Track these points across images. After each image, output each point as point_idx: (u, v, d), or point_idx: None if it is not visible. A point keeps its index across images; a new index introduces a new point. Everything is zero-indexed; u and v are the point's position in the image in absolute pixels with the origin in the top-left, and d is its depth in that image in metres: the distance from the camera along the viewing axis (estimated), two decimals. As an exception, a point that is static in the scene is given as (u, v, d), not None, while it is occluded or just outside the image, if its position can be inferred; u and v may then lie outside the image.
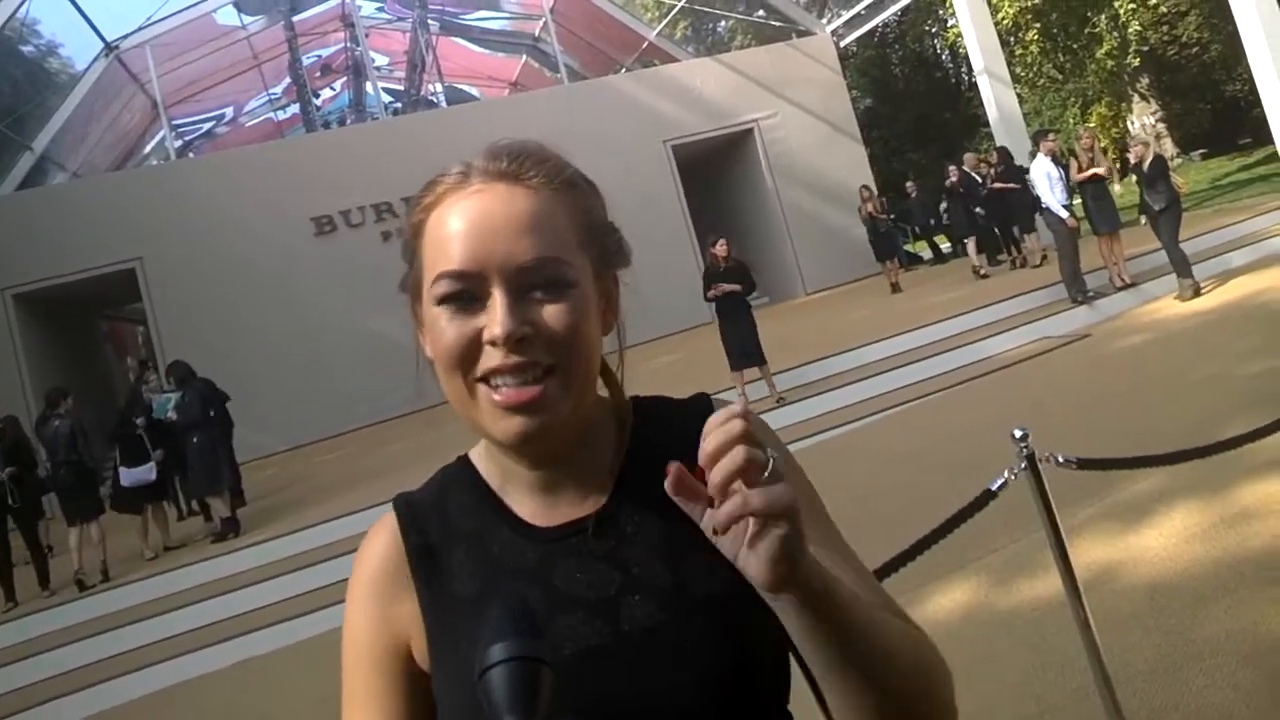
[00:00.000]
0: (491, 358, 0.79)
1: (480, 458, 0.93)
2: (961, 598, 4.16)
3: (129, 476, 8.46)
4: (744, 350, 8.85)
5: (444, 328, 0.80)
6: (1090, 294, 10.08)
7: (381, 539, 0.92)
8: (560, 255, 0.81)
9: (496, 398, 0.79)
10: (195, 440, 8.56)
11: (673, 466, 0.70)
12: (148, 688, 6.44)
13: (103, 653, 6.86)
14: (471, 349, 0.79)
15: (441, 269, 0.80)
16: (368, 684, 0.88)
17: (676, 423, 0.91)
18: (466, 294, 0.80)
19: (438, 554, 0.88)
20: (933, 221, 18.61)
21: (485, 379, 0.80)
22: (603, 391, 0.93)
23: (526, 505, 0.88)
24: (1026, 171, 11.82)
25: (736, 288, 8.90)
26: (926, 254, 19.89)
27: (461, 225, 0.80)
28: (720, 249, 9.12)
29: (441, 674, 0.85)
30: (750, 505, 0.65)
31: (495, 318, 0.78)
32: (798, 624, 0.71)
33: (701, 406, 0.94)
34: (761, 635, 0.83)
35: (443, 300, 0.81)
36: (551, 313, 0.79)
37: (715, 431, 0.68)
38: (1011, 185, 13.06)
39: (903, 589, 3.56)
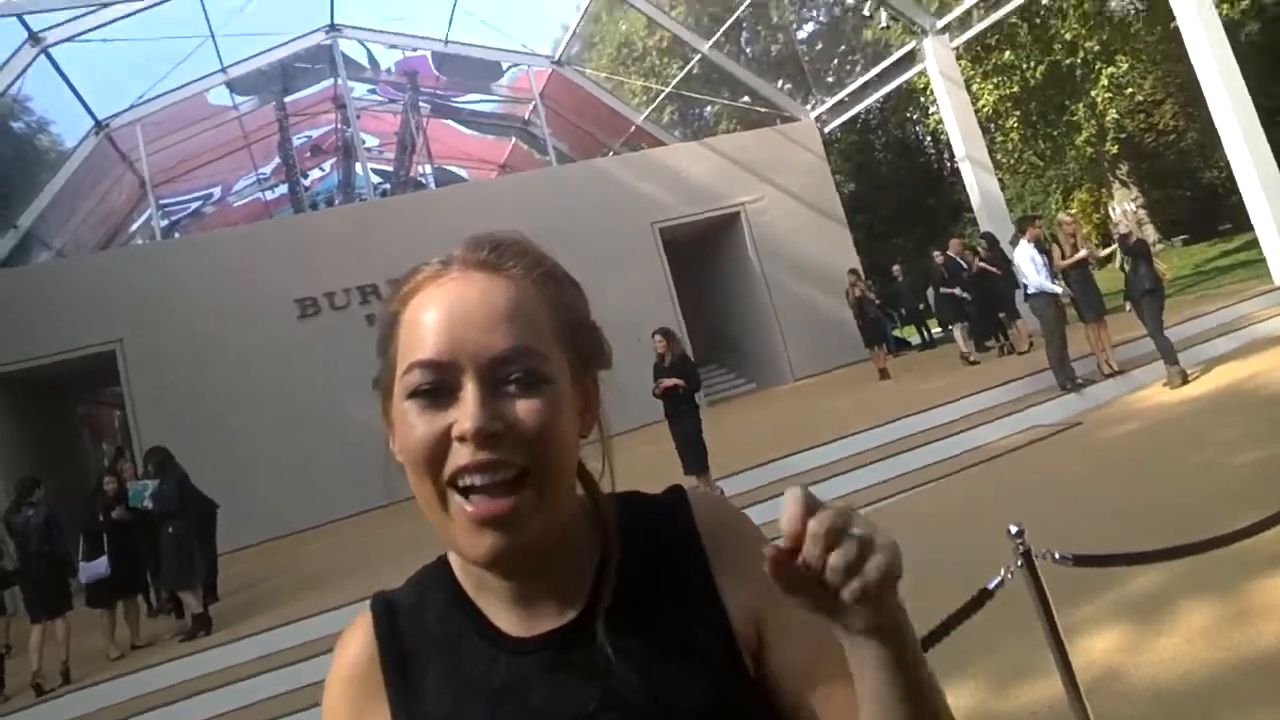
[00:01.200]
0: (460, 455, 0.74)
1: (456, 561, 0.89)
2: (960, 703, 3.99)
3: (85, 572, 8.17)
4: (688, 452, 8.29)
5: (413, 423, 0.76)
6: (1079, 381, 10.05)
7: (357, 639, 0.89)
8: (537, 347, 0.78)
9: (469, 509, 0.75)
10: (171, 530, 8.29)
11: (769, 550, 0.67)
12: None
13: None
14: (440, 446, 0.75)
15: (414, 358, 0.77)
16: None
17: (654, 520, 0.89)
18: (438, 386, 0.76)
19: (410, 662, 0.85)
20: (920, 306, 18.74)
21: (455, 483, 0.75)
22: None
23: (502, 615, 0.85)
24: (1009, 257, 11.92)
25: (679, 383, 8.40)
26: (915, 339, 19.99)
27: (437, 314, 0.78)
28: (659, 344, 8.64)
29: None
30: (870, 582, 0.65)
31: (466, 410, 0.74)
32: (877, 662, 0.69)
33: (675, 500, 0.91)
34: None
35: (413, 393, 0.77)
36: (525, 408, 0.75)
37: (812, 526, 0.66)
38: (995, 270, 13.16)
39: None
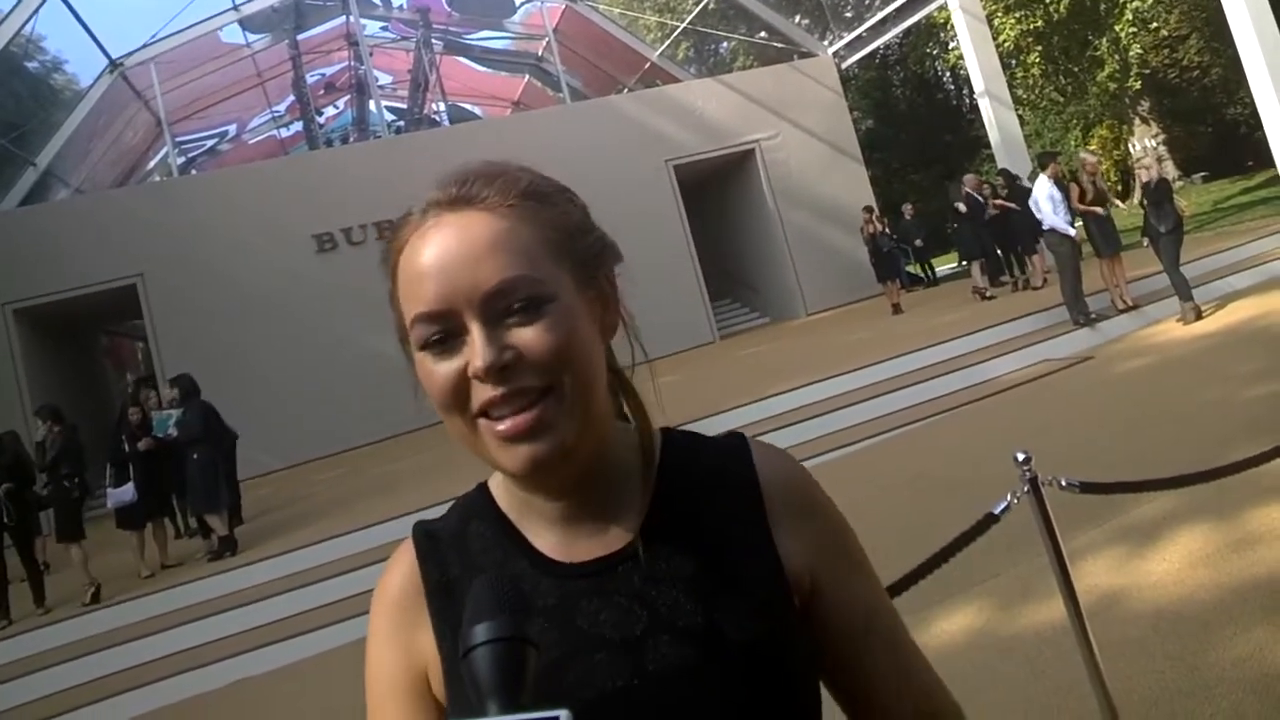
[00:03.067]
0: (482, 392, 0.75)
1: (498, 487, 0.90)
2: (965, 622, 4.12)
3: (112, 498, 8.41)
4: None
5: (430, 371, 0.78)
6: (1092, 316, 10.07)
7: (400, 569, 0.89)
8: (528, 272, 0.77)
9: (498, 428, 0.76)
10: (196, 457, 8.52)
11: None
12: (143, 706, 6.37)
13: (97, 672, 6.80)
14: (461, 388, 0.76)
15: (414, 312, 0.78)
16: (391, 713, 0.86)
17: (709, 460, 0.89)
18: (444, 334, 0.77)
19: (455, 589, 0.85)
20: (918, 243, 18.68)
21: (484, 413, 0.76)
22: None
23: (546, 538, 0.85)
24: (1029, 193, 11.84)
25: None
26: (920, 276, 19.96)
27: (423, 265, 0.77)
28: None
29: (454, 710, 0.82)
30: None
31: (475, 351, 0.75)
32: None
33: (736, 446, 0.91)
34: (795, 679, 0.82)
35: (424, 345, 0.78)
36: (531, 334, 0.75)
37: None
38: (1012, 206, 13.09)
39: (906, 613, 3.51)
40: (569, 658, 0.79)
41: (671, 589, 0.81)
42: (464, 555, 0.87)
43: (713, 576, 0.81)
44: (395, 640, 0.87)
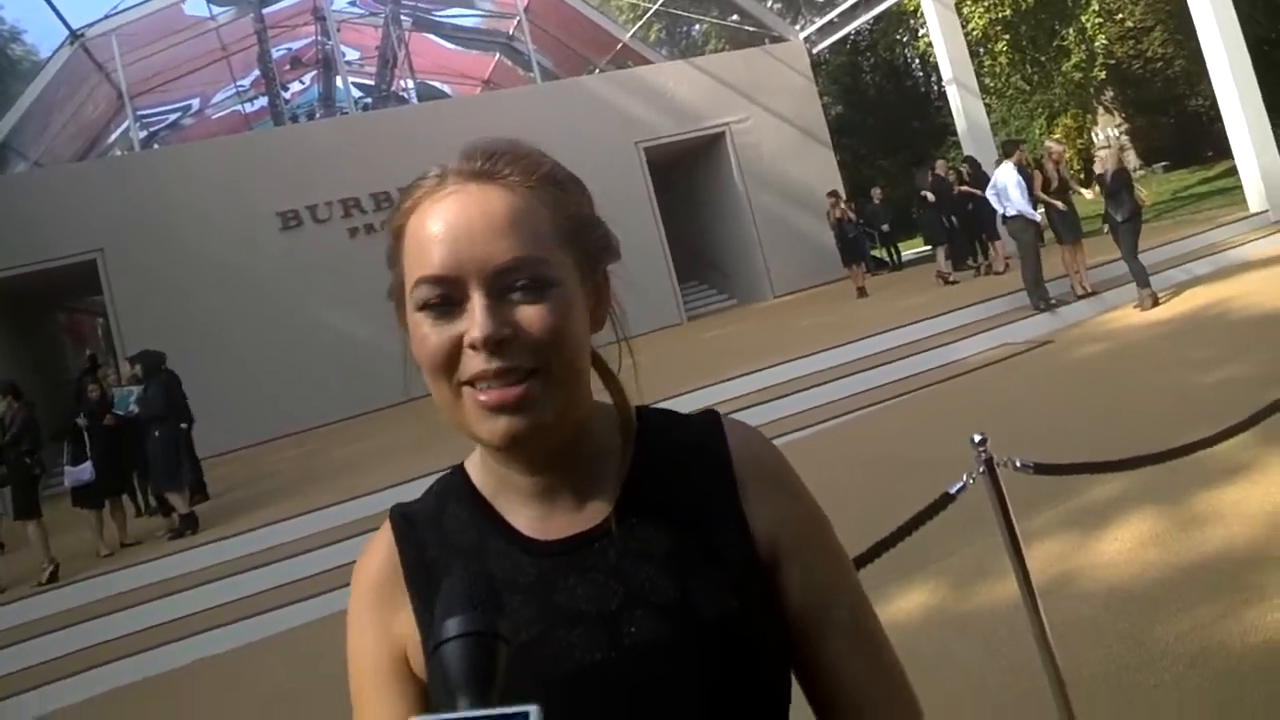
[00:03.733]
0: (473, 362, 0.77)
1: (475, 467, 0.91)
2: (920, 600, 4.20)
3: (69, 476, 8.31)
4: None
5: (426, 334, 0.78)
6: (1052, 302, 10.22)
7: (378, 552, 0.90)
8: (539, 254, 0.78)
9: (481, 398, 0.77)
10: (157, 434, 8.43)
11: None
12: (103, 685, 6.33)
13: (56, 651, 6.73)
14: (453, 354, 0.77)
15: (419, 274, 0.78)
16: (374, 695, 0.86)
17: (683, 437, 0.91)
18: (446, 299, 0.78)
19: (434, 569, 0.86)
20: (885, 228, 18.81)
21: (470, 383, 0.78)
22: (603, 396, 0.91)
23: (522, 516, 0.86)
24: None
25: None
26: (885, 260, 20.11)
27: (437, 229, 0.78)
28: None
29: (438, 692, 0.81)
30: None
31: (475, 321, 0.76)
32: None
33: (710, 423, 0.92)
34: (766, 655, 0.84)
35: (423, 306, 0.78)
36: (532, 314, 0.77)
37: None
38: (978, 192, 13.23)
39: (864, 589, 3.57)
40: (547, 633, 0.80)
41: (647, 564, 0.82)
42: (441, 536, 0.88)
43: (687, 552, 0.83)
44: (375, 622, 0.88)
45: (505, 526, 0.86)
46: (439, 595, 0.68)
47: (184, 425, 8.94)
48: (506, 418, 0.77)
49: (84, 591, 7.43)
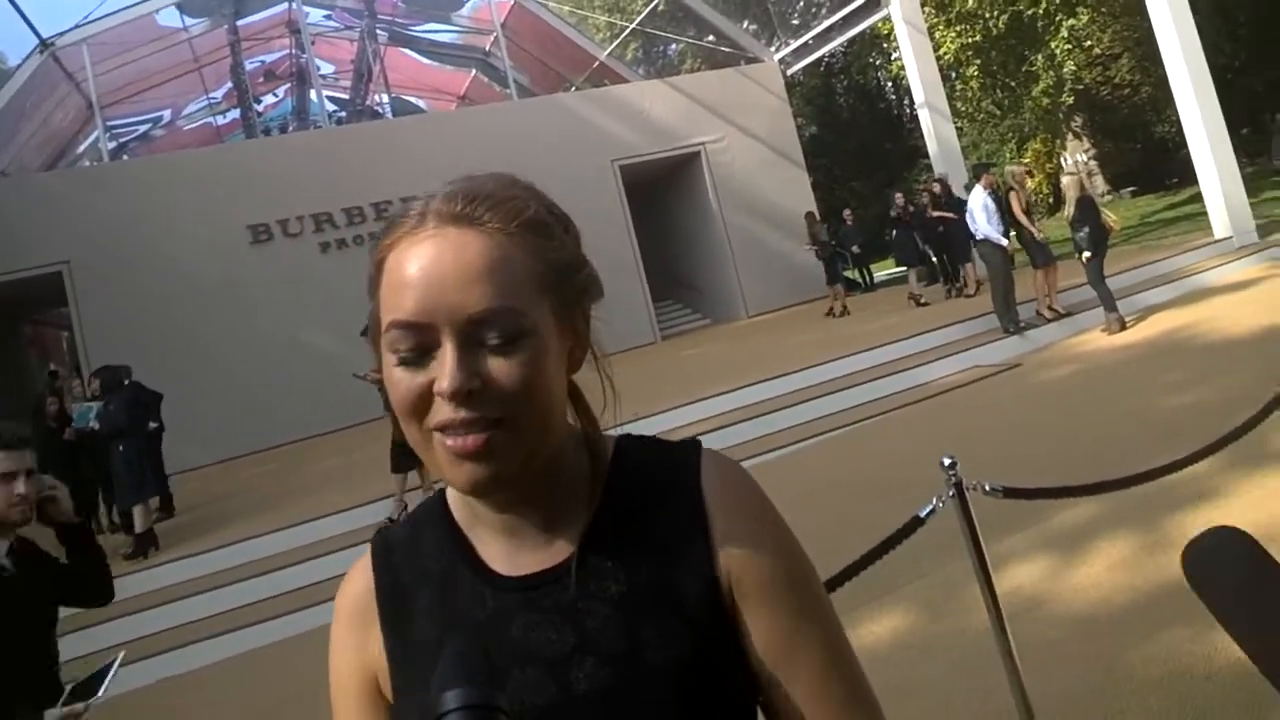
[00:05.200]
0: (441, 411, 0.76)
1: (454, 495, 0.91)
2: (890, 623, 4.20)
3: None
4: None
5: (397, 378, 0.78)
6: (1022, 325, 10.32)
7: (358, 575, 0.92)
8: (514, 305, 0.77)
9: (448, 443, 0.76)
10: (121, 449, 8.30)
11: None
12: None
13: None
14: (423, 401, 0.77)
15: (392, 317, 0.78)
16: (346, 716, 0.90)
17: (659, 469, 0.89)
18: (417, 345, 0.77)
19: (406, 595, 0.88)
20: (855, 250, 18.94)
21: (439, 429, 0.77)
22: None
23: (493, 549, 0.87)
24: (964, 203, 12.08)
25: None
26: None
27: (411, 273, 0.77)
28: None
29: (402, 716, 0.85)
30: None
31: (444, 371, 0.75)
32: None
33: (687, 456, 0.90)
34: (724, 700, 0.83)
35: (395, 349, 0.78)
36: (503, 366, 0.76)
37: None
38: (949, 215, 13.36)
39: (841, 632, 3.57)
40: (502, 671, 0.80)
41: (602, 606, 0.82)
42: (415, 561, 0.89)
43: (645, 594, 0.82)
44: (351, 645, 0.90)
45: (474, 557, 0.87)
46: (436, 669, 0.68)
47: (154, 428, 8.78)
48: (470, 465, 0.77)
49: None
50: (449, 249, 0.77)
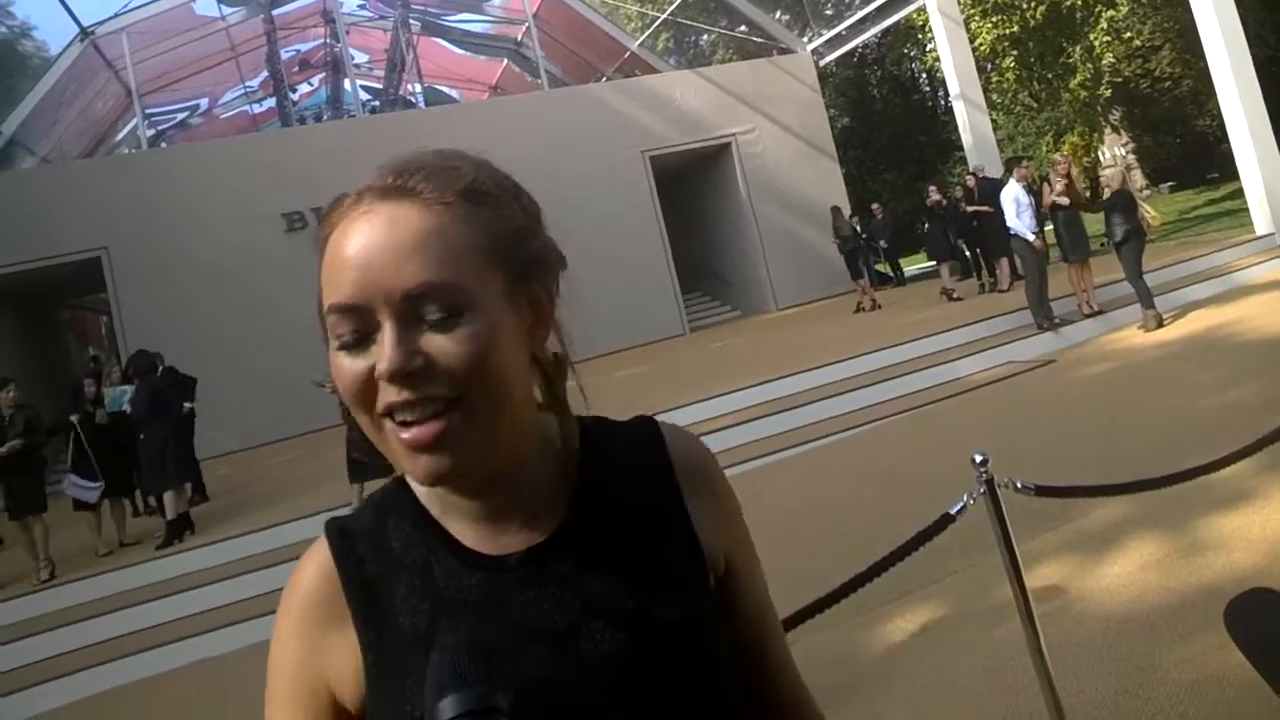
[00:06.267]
0: (387, 393, 0.72)
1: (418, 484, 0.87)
2: (920, 619, 4.17)
3: (71, 486, 8.25)
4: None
5: (340, 364, 0.75)
6: (1056, 320, 10.20)
7: (314, 568, 0.84)
8: (452, 279, 0.73)
9: (403, 435, 0.73)
10: (143, 437, 8.35)
11: None
12: (101, 685, 6.31)
13: (54, 649, 6.73)
14: (368, 385, 0.73)
15: (329, 301, 0.74)
16: (288, 712, 0.82)
17: (625, 444, 0.90)
18: (357, 329, 0.73)
19: (378, 587, 0.82)
20: (883, 244, 18.80)
21: (389, 414, 0.73)
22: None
23: (469, 533, 0.82)
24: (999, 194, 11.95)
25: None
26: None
27: (345, 253, 0.74)
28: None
29: (385, 713, 0.79)
30: None
31: (382, 352, 0.71)
32: None
33: (649, 430, 0.91)
34: (725, 658, 0.83)
35: (335, 334, 0.75)
36: (445, 342, 0.72)
37: None
38: (985, 208, 13.22)
39: (863, 608, 3.58)
40: (507, 652, 0.77)
41: (600, 576, 0.81)
42: (383, 553, 0.84)
43: (640, 561, 0.82)
44: (304, 639, 0.83)
45: (453, 543, 0.82)
46: (427, 675, 0.67)
47: (188, 409, 8.83)
48: (427, 457, 0.73)
49: (82, 590, 7.42)
50: (380, 224, 0.73)
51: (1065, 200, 10.23)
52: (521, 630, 0.78)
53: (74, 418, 8.57)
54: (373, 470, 7.45)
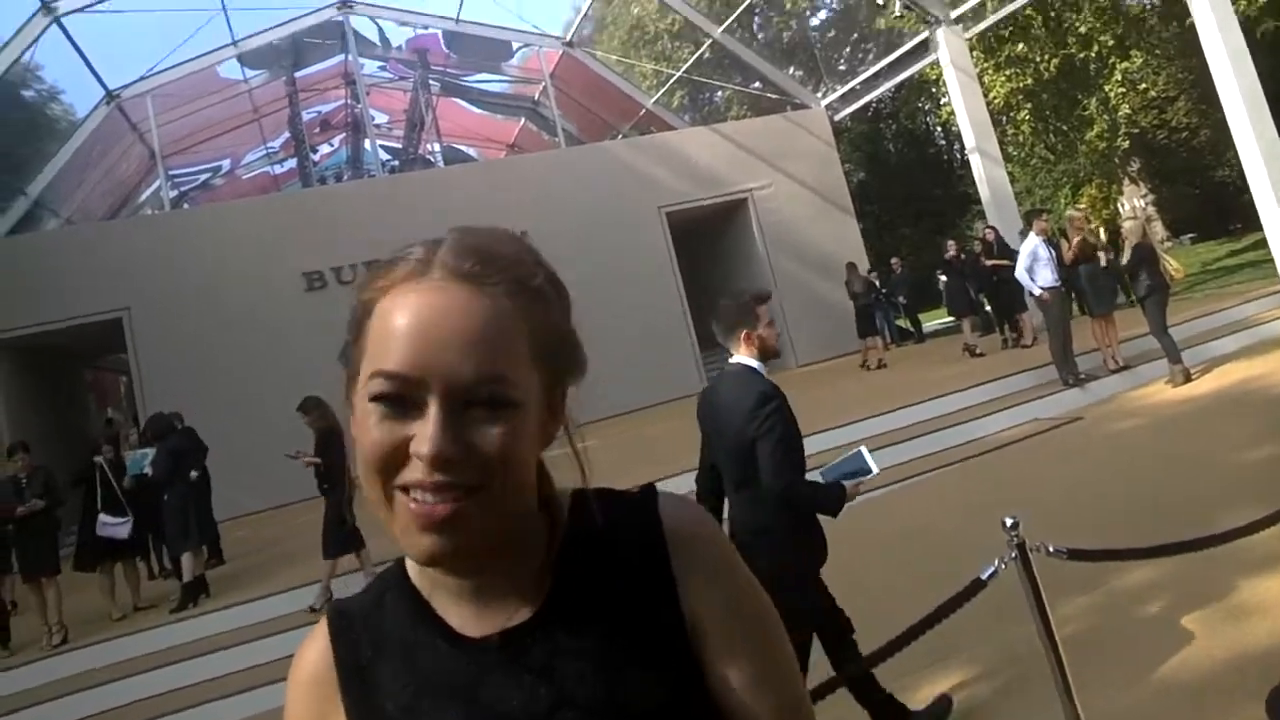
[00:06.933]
0: (415, 470, 0.73)
1: (411, 562, 0.88)
2: (949, 687, 4.03)
3: (104, 527, 8.22)
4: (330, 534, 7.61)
5: (371, 428, 0.74)
6: (1082, 376, 10.06)
7: (315, 646, 0.88)
8: (508, 375, 0.74)
9: (412, 507, 0.73)
10: (166, 498, 8.37)
11: None
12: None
13: (64, 717, 6.62)
14: (396, 456, 0.73)
15: (379, 366, 0.74)
16: None
17: (617, 518, 0.87)
18: (401, 398, 0.73)
19: (367, 668, 0.85)
20: (901, 300, 18.72)
21: (405, 488, 0.74)
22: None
23: (454, 613, 0.84)
24: (1018, 251, 11.90)
25: (318, 460, 7.85)
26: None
27: (409, 324, 0.74)
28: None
29: None
30: None
31: (426, 434, 0.72)
32: None
33: (645, 503, 0.88)
34: None
35: (376, 398, 0.74)
36: (488, 434, 0.73)
37: None
38: (1004, 263, 13.17)
39: (891, 677, 3.46)
40: None
41: (575, 660, 0.79)
42: (376, 629, 0.86)
43: (617, 644, 0.80)
44: (307, 714, 0.87)
45: (438, 623, 0.84)
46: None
47: (194, 477, 8.85)
48: (432, 537, 0.74)
49: (95, 655, 7.33)
50: (454, 307, 0.74)
51: (1077, 241, 10.19)
52: (490, 714, 0.79)
53: (98, 458, 8.56)
54: (354, 543, 7.52)
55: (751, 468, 3.45)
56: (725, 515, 3.69)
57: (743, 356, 3.67)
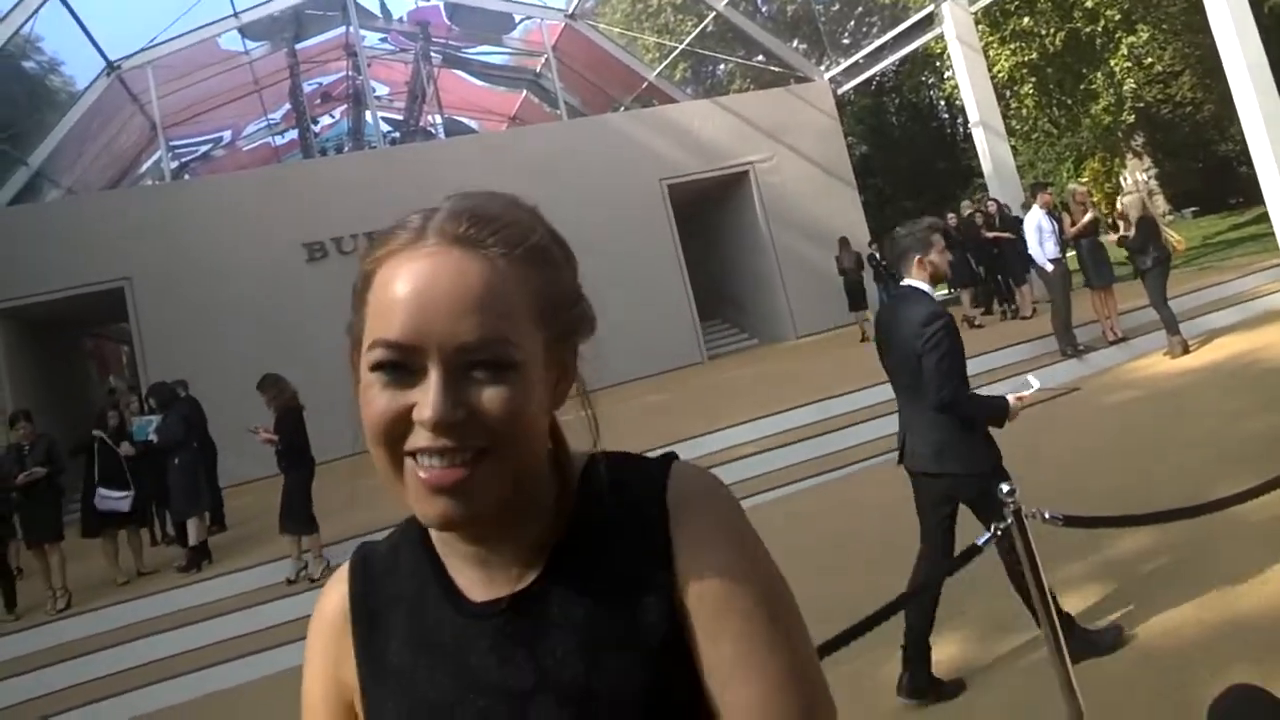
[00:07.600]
0: (420, 436, 0.73)
1: None
2: (945, 652, 4.08)
3: (104, 501, 8.27)
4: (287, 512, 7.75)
5: (374, 397, 0.74)
6: (1081, 347, 10.09)
7: (336, 590, 0.91)
8: (507, 335, 0.74)
9: (422, 474, 0.73)
10: (177, 462, 8.44)
11: None
12: (115, 717, 6.29)
13: (68, 680, 6.71)
14: (400, 423, 0.74)
15: (378, 335, 0.74)
16: None
17: (629, 487, 0.84)
18: (402, 366, 0.73)
19: (379, 613, 0.87)
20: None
21: (414, 454, 0.74)
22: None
23: (464, 576, 0.84)
24: (1021, 222, 11.88)
25: (274, 438, 8.00)
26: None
27: (405, 291, 0.74)
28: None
29: None
30: None
31: (427, 399, 0.72)
32: None
33: (657, 472, 0.85)
34: None
35: (376, 367, 0.74)
36: (490, 396, 0.73)
37: None
38: (1006, 235, 13.15)
39: (887, 643, 3.50)
40: (458, 701, 0.79)
41: (562, 637, 0.79)
42: (392, 582, 0.88)
43: (606, 622, 0.79)
44: (325, 660, 0.89)
45: (445, 580, 0.84)
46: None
47: (195, 447, 8.92)
48: (444, 500, 0.73)
49: (98, 620, 7.41)
50: (448, 271, 0.74)
51: (1088, 218, 10.17)
52: (476, 681, 0.79)
53: (97, 432, 8.61)
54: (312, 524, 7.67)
55: (920, 377, 3.84)
56: (899, 429, 4.17)
57: (914, 280, 3.99)
